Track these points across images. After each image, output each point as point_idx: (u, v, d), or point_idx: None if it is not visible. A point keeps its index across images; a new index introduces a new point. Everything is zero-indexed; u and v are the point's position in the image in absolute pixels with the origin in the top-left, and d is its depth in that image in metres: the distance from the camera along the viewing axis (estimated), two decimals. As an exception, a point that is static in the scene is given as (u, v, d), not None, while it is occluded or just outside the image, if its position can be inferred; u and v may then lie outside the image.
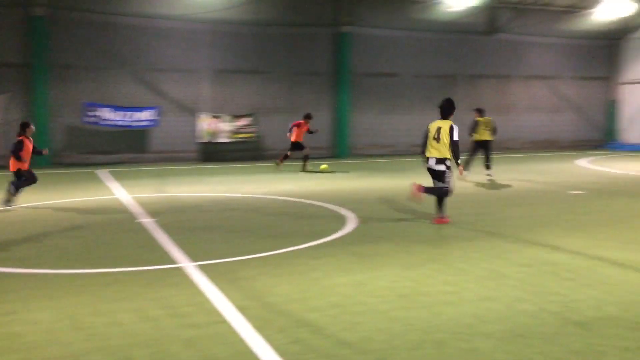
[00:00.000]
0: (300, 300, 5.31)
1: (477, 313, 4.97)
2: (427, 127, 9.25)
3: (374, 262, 6.71)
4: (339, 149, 23.00)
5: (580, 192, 12.64)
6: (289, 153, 17.53)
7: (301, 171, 17.12)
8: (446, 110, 9.25)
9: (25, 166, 10.71)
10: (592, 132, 27.54)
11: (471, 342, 4.35)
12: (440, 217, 9.14)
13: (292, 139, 17.39)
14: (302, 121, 17.45)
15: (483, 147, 15.33)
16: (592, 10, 24.62)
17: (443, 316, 4.90)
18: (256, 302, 5.29)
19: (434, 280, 5.98)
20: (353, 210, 10.21)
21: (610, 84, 27.93)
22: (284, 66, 22.32)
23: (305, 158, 17.44)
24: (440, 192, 9.08)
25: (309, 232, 8.34)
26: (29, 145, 10.74)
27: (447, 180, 8.96)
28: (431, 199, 9.32)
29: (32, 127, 11.01)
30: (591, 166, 18.58)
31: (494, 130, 15.41)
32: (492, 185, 14.01)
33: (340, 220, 9.27)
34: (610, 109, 27.86)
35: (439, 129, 9.02)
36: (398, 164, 19.91)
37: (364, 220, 9.33)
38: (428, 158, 9.05)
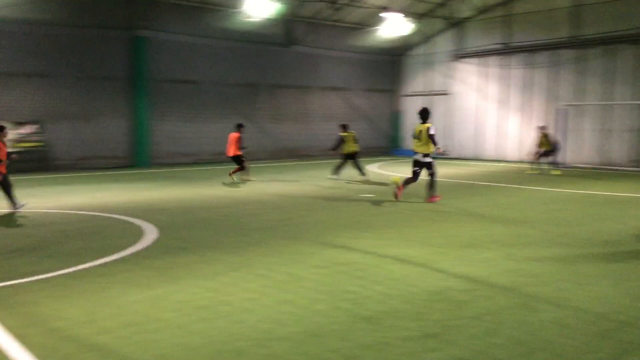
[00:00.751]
0: (90, 323, 4.91)
1: (276, 317, 5.06)
2: (414, 129, 12.17)
3: (173, 275, 6.50)
4: (138, 158, 22.01)
5: (370, 195, 13.67)
6: (244, 165, 16.57)
7: (237, 181, 16.42)
8: (424, 116, 12.04)
9: (3, 169, 10.68)
10: (380, 140, 30.03)
11: (269, 347, 4.41)
12: (432, 196, 12.19)
13: (231, 153, 16.44)
14: (237, 133, 16.48)
15: (351, 158, 16.92)
16: (377, 28, 26.88)
17: (243, 324, 4.91)
18: (38, 328, 4.78)
19: (235, 288, 5.96)
20: (152, 221, 9.81)
21: (394, 96, 30.81)
22: (74, 70, 20.71)
23: (241, 169, 16.58)
24: (414, 181, 12.32)
25: (102, 248, 7.80)
26: (4, 149, 10.66)
27: (433, 167, 12.10)
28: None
29: (7, 131, 10.99)
30: (380, 171, 20.23)
31: (357, 142, 17.18)
32: (292, 191, 14.50)
33: (138, 233, 8.84)
34: (395, 119, 30.70)
35: (420, 131, 11.95)
36: (202, 172, 19.67)
37: (163, 231, 9.01)
38: (416, 153, 12.04)
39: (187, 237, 8.64)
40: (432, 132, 11.82)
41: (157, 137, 22.50)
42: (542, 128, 20.16)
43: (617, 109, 22.49)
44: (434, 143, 11.92)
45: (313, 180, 16.88)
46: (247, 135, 25.38)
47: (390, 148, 30.18)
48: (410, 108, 30.46)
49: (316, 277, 6.36)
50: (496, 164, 24.34)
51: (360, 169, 16.91)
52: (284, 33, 25.65)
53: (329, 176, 17.26)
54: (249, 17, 22.82)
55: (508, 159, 25.81)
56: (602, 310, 5.32)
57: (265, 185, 15.63)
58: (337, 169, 17.18)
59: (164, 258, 7.28)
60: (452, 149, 28.14)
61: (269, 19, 23.59)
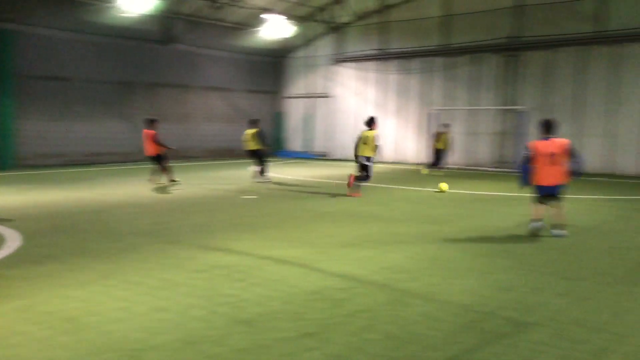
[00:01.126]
0: None
1: (149, 326, 4.85)
2: (360, 134, 13.54)
3: (38, 285, 6.03)
4: (1, 160, 20.29)
5: (252, 196, 13.60)
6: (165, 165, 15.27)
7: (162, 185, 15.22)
8: (370, 124, 13.46)
9: None
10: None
11: (141, 358, 4.21)
12: (356, 192, 13.73)
13: (151, 152, 15.09)
14: (152, 130, 15.07)
15: (255, 156, 16.77)
16: (259, 29, 26.84)
17: (113, 334, 4.65)
18: None
19: (106, 297, 5.65)
20: (15, 228, 9.07)
21: (276, 97, 30.94)
22: None
23: (164, 170, 15.26)
24: (364, 179, 13.69)
25: (-46, 258, 7.08)
26: None
27: (370, 169, 13.55)
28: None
29: None
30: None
31: (261, 140, 16.79)
32: (171, 193, 14.07)
33: (-2, 241, 8.13)
34: (277, 120, 30.83)
35: (366, 137, 13.32)
36: (73, 174, 18.52)
37: (28, 238, 8.35)
38: (359, 156, 13.43)
39: (54, 244, 8.08)
40: (377, 142, 13.35)
41: (23, 137, 20.89)
42: (445, 126, 21.27)
43: (482, 113, 24.17)
44: (377, 152, 13.55)
45: (193, 182, 16.49)
46: (125, 136, 24.49)
47: (274, 149, 30.23)
48: (293, 110, 30.77)
49: (193, 282, 6.20)
50: (374, 165, 25.15)
51: (262, 169, 16.77)
52: (162, 30, 24.83)
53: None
54: (124, 12, 21.85)
55: (385, 160, 26.81)
56: (468, 302, 5.66)
57: (142, 188, 15.02)
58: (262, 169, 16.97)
59: (27, 267, 6.74)
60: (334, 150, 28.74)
61: (145, 15, 22.74)
